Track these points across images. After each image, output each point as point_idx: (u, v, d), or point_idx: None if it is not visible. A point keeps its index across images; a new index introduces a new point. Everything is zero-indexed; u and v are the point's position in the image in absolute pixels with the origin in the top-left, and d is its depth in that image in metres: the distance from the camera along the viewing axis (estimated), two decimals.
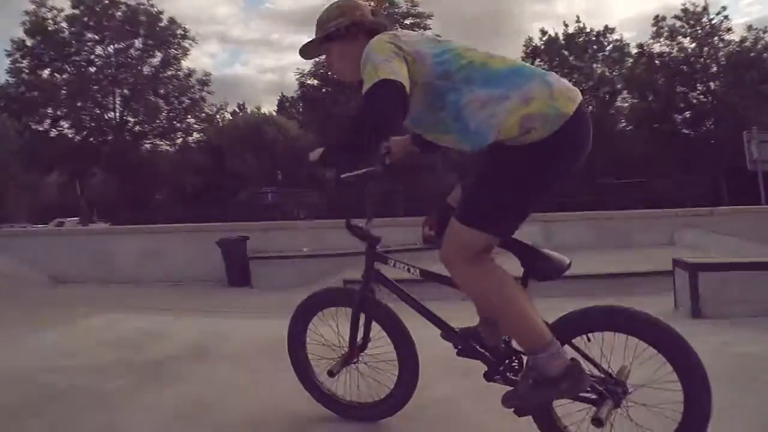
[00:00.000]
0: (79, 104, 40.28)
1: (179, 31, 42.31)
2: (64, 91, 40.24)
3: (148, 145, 43.39)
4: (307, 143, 44.23)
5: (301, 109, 48.88)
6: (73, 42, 40.24)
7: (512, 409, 2.25)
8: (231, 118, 49.89)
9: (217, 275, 10.07)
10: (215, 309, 7.11)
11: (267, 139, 43.45)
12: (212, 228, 11.46)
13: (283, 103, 55.05)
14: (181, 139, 44.29)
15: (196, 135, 44.96)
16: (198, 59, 75.51)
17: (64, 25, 40.26)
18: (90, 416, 2.95)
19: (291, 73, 66.65)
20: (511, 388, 2.27)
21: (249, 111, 53.92)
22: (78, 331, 4.79)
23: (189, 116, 43.70)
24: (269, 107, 64.45)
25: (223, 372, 3.66)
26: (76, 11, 39.99)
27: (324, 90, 39.91)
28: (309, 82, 40.61)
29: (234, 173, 41.10)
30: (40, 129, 40.93)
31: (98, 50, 41.28)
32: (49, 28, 39.89)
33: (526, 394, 2.18)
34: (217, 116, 46.13)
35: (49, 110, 40.42)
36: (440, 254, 2.26)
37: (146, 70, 42.09)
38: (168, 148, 44.11)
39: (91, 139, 40.46)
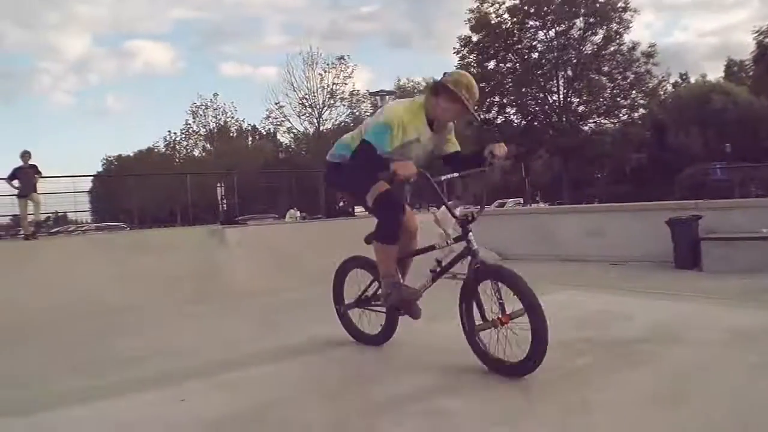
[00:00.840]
0: (524, 90, 42.42)
1: (620, 4, 41.06)
2: (509, 80, 42.95)
3: (592, 124, 43.14)
4: (761, 110, 38.74)
5: (751, 73, 43.07)
6: (515, 31, 42.62)
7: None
8: (673, 89, 46.81)
9: (660, 256, 9.39)
10: (663, 291, 6.64)
11: (713, 110, 39.51)
12: (657, 207, 10.79)
13: (730, 68, 49.62)
14: (626, 116, 42.60)
15: (640, 110, 42.90)
16: (634, 31, 72.49)
17: (506, 16, 42.85)
18: (558, 391, 2.98)
19: (738, 34, 59.22)
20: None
21: (692, 80, 49.95)
22: None
23: (633, 91, 41.64)
24: (714, 74, 58.15)
25: (694, 358, 3.48)
26: (516, 1, 42.16)
27: None
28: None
29: (677, 148, 38.51)
30: (488, 117, 44.41)
31: (540, 35, 42.88)
32: (492, 22, 42.84)
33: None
34: (659, 89, 43.42)
35: (496, 98, 43.41)
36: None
37: (588, 48, 41.70)
38: (612, 125, 43.10)
39: (535, 123, 42.32)
